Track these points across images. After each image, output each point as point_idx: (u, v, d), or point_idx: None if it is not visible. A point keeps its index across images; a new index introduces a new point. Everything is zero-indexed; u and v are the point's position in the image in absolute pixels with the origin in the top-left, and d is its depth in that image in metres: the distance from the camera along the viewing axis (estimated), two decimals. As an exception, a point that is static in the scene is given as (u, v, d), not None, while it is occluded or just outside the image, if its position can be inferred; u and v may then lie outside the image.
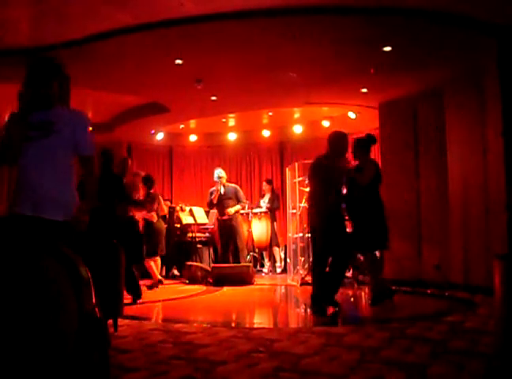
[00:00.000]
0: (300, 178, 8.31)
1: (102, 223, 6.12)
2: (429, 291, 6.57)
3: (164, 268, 9.04)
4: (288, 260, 8.97)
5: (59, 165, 2.85)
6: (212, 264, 8.89)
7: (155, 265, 7.54)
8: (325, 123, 9.83)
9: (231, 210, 8.56)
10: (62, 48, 5.75)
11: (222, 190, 8.66)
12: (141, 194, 7.57)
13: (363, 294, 6.79)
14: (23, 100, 2.96)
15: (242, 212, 9.10)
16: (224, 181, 8.73)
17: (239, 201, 8.68)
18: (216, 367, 3.12)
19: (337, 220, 5.36)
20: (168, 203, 9.67)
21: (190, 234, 9.41)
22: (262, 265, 10.05)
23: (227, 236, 8.64)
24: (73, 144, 2.86)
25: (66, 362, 1.82)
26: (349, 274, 7.56)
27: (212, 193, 8.71)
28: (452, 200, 7.01)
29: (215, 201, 8.64)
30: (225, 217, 8.59)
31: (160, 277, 7.63)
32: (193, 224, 9.33)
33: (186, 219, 9.35)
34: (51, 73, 2.93)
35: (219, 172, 8.75)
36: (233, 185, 9.03)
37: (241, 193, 8.80)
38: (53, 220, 2.72)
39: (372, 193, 5.62)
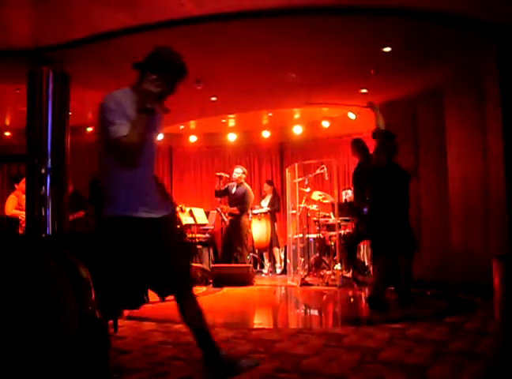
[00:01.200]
0: (300, 179, 8.30)
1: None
2: (429, 292, 6.56)
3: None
4: (288, 260, 8.96)
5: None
6: (212, 265, 8.88)
7: None
8: (325, 124, 9.83)
9: (224, 207, 8.59)
10: (63, 48, 5.76)
11: (234, 190, 8.66)
12: None
13: (362, 294, 6.78)
14: (155, 92, 2.76)
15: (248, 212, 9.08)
16: (241, 180, 8.70)
17: (243, 204, 8.61)
18: (216, 368, 3.11)
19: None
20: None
21: (189, 235, 9.41)
22: (262, 266, 10.05)
23: (230, 236, 8.63)
24: None
25: (66, 363, 1.81)
26: (349, 274, 7.57)
27: (228, 187, 8.71)
28: (452, 201, 7.01)
29: (218, 189, 8.64)
30: (231, 217, 8.59)
31: None
32: (193, 225, 9.33)
33: (186, 219, 9.35)
34: None
35: (236, 171, 8.75)
36: (246, 187, 8.81)
37: (246, 198, 8.64)
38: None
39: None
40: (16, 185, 7.61)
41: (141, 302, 2.93)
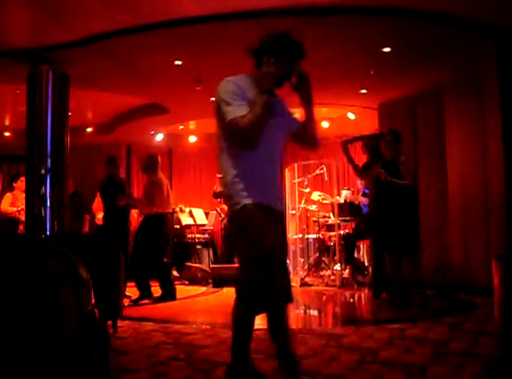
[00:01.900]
0: (300, 179, 8.30)
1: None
2: (429, 292, 6.57)
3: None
4: (288, 261, 8.95)
5: None
6: (211, 265, 8.88)
7: None
8: (325, 124, 9.82)
9: (225, 207, 8.58)
10: (63, 48, 5.76)
11: None
12: None
13: (362, 294, 6.78)
14: (275, 74, 2.61)
15: None
16: None
17: None
18: (216, 368, 3.12)
19: None
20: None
21: (189, 235, 9.41)
22: (262, 266, 10.03)
23: (229, 236, 8.62)
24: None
25: (65, 363, 1.81)
26: (346, 274, 7.56)
27: None
28: (451, 201, 7.01)
29: (217, 191, 8.64)
30: None
31: None
32: (193, 225, 9.33)
33: (186, 220, 9.35)
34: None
35: None
36: None
37: None
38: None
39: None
40: (14, 185, 7.62)
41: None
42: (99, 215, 7.85)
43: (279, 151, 2.80)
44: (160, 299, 6.24)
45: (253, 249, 2.49)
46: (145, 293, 6.25)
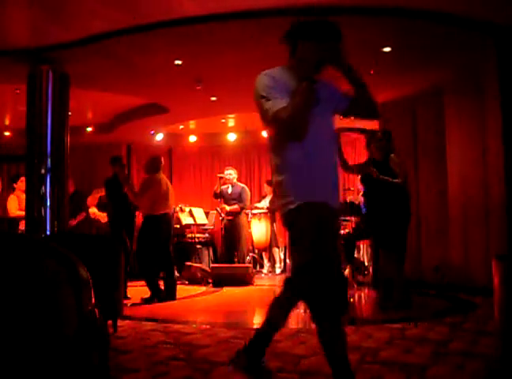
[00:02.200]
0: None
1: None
2: (429, 292, 6.57)
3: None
4: (288, 260, 8.95)
5: None
6: (211, 265, 8.88)
7: None
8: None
9: (227, 207, 8.59)
10: (63, 48, 5.75)
11: (230, 190, 8.71)
12: None
13: (362, 294, 6.78)
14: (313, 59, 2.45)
15: (247, 212, 9.11)
16: (234, 180, 8.81)
17: (243, 201, 8.69)
18: (216, 368, 3.12)
19: None
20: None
21: (189, 235, 9.42)
22: (262, 266, 10.04)
23: (230, 236, 8.63)
24: None
25: (65, 363, 1.81)
26: (346, 273, 7.55)
27: (222, 190, 8.76)
28: (451, 201, 7.01)
29: (217, 191, 8.67)
30: (230, 217, 8.60)
31: None
32: (193, 225, 9.33)
33: (186, 219, 9.35)
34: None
35: (228, 172, 8.82)
36: (241, 185, 9.00)
37: (244, 195, 8.75)
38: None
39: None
40: (14, 185, 7.61)
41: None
42: (91, 210, 7.88)
43: (330, 139, 2.57)
44: (152, 299, 6.24)
45: (305, 255, 2.40)
46: (156, 292, 6.28)
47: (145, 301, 6.21)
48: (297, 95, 2.34)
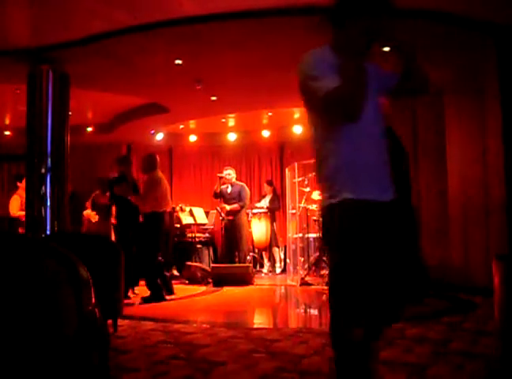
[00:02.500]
0: (300, 179, 8.30)
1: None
2: (429, 292, 6.56)
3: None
4: (288, 260, 8.96)
5: None
6: (211, 265, 8.88)
7: None
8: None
9: (227, 207, 8.59)
10: (63, 48, 5.76)
11: (229, 190, 8.72)
12: None
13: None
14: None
15: (247, 212, 9.12)
16: (233, 180, 8.82)
17: (243, 200, 8.70)
18: (216, 367, 3.12)
19: None
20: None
21: (189, 235, 9.42)
22: (262, 266, 10.05)
23: (230, 235, 8.63)
24: None
25: (65, 363, 1.81)
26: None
27: (221, 190, 8.77)
28: (451, 201, 7.01)
29: (218, 191, 8.68)
30: (230, 217, 8.60)
31: None
32: (193, 224, 9.33)
33: (186, 219, 9.36)
34: None
35: (227, 172, 8.83)
36: (240, 184, 9.02)
37: (243, 194, 8.77)
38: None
39: None
40: (18, 184, 7.57)
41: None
42: (85, 212, 7.86)
43: (380, 122, 2.30)
44: (147, 299, 6.23)
45: (338, 267, 2.10)
46: (156, 292, 6.26)
47: (145, 300, 6.20)
48: (349, 71, 2.10)
